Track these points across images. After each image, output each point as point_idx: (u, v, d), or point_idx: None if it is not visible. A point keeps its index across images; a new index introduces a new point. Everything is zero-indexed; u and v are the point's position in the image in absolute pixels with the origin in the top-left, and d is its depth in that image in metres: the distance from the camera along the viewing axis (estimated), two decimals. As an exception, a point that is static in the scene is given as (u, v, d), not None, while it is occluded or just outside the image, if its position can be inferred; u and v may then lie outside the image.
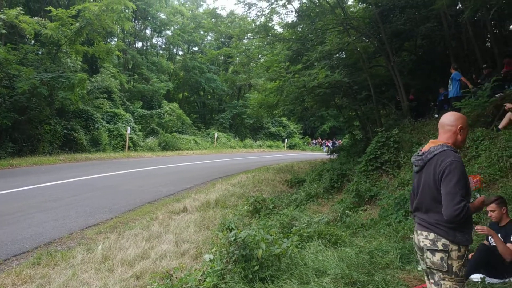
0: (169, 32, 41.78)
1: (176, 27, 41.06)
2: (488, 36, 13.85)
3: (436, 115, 12.42)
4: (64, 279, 5.30)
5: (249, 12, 17.00)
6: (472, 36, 12.69)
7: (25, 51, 19.59)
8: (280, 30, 18.43)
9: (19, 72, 17.89)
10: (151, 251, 6.47)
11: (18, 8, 17.93)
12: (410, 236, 5.88)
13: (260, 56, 19.56)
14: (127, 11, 22.94)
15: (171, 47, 44.23)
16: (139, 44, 41.95)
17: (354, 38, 13.10)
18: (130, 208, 9.74)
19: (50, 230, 7.49)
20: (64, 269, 5.66)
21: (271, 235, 4.99)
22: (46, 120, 19.82)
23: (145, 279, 5.35)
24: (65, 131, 21.12)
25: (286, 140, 45.50)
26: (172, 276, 4.70)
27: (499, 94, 9.53)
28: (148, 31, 41.92)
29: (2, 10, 17.62)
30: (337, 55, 14.91)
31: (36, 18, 19.52)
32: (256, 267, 4.29)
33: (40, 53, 21.08)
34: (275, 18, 18.65)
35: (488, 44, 14.27)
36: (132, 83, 35.17)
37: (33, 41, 22.26)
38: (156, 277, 4.94)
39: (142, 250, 6.45)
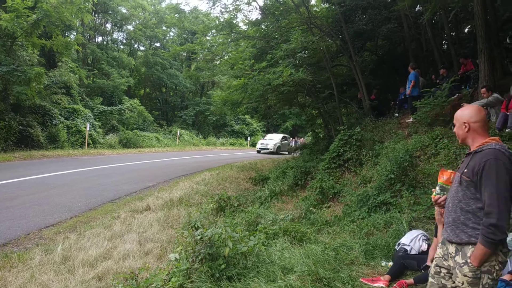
0: (130, 27, 40.93)
1: (137, 22, 40.24)
2: (446, 38, 14.38)
3: (396, 114, 12.76)
4: (21, 281, 5.10)
5: (214, 9, 16.97)
6: (431, 37, 13.15)
7: (-23, 43, 18.64)
8: (244, 27, 18.41)
9: (-30, 65, 17.03)
10: (113, 251, 6.32)
11: (-32, -2, 17.09)
12: (373, 232, 6.01)
13: (224, 53, 19.45)
14: (87, 4, 22.23)
15: (133, 42, 43.35)
16: (99, 39, 40.97)
17: (318, 37, 13.26)
18: (91, 207, 9.46)
19: (5, 231, 7.16)
20: (21, 271, 5.44)
21: (237, 233, 4.97)
22: (0, 116, 18.95)
23: (108, 280, 5.22)
24: (20, 127, 20.26)
25: (249, 138, 45.57)
26: (137, 276, 4.59)
27: (456, 95, 9.92)
28: (108, 25, 40.98)
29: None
30: (301, 53, 15.04)
31: (-11, 9, 18.65)
32: (223, 266, 4.27)
33: (-6, 45, 20.10)
34: (240, 16, 18.64)
35: (445, 46, 14.83)
36: (91, 78, 34.19)
37: (-15, 33, 21.23)
38: (119, 278, 4.82)
39: (104, 250, 6.29)
